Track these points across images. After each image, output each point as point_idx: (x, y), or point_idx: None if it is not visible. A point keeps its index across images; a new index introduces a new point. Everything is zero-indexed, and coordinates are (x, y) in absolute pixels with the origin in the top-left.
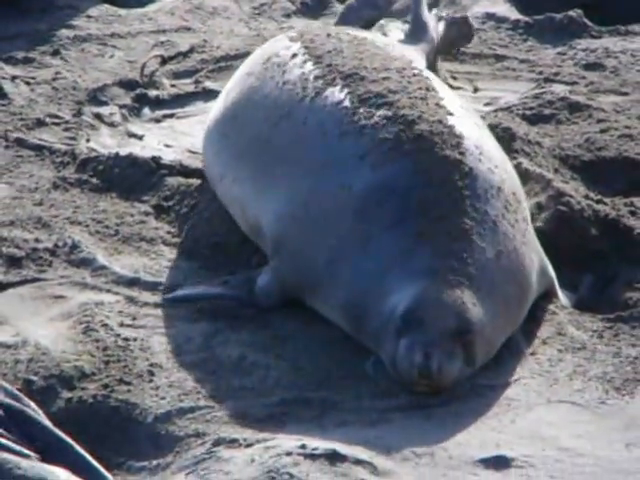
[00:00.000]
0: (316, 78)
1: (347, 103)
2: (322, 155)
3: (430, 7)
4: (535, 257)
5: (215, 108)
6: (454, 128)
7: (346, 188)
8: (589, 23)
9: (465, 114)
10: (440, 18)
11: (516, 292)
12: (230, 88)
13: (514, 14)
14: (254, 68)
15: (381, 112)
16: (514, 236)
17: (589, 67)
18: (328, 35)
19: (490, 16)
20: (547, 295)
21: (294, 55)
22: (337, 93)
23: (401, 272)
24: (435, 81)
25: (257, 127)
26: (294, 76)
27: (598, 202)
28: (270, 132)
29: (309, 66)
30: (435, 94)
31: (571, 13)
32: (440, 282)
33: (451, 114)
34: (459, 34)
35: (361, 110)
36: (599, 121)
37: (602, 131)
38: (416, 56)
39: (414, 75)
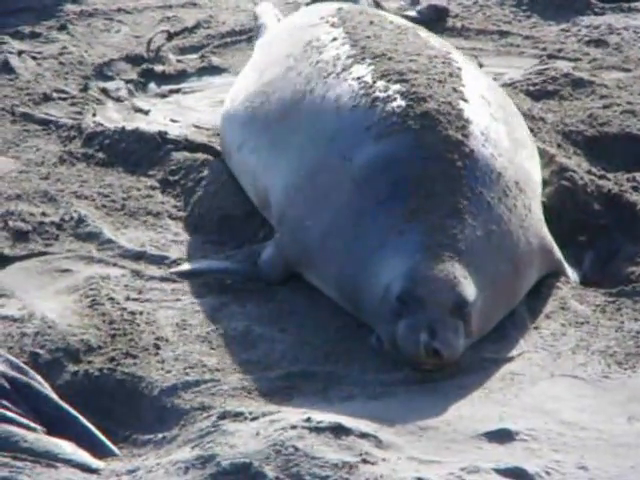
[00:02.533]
0: (348, 57)
1: (367, 78)
2: (332, 126)
3: None
4: (535, 241)
5: (244, 81)
6: (463, 112)
7: (348, 159)
8: (592, 0)
9: (482, 103)
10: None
11: (508, 271)
12: (264, 65)
13: None
14: (294, 50)
15: (396, 87)
16: (509, 219)
17: (592, 43)
18: (371, 22)
19: None
20: (554, 274)
21: (334, 39)
22: (361, 69)
23: (391, 249)
24: (466, 71)
25: (283, 101)
26: (328, 56)
27: (601, 177)
28: (293, 106)
29: (345, 48)
30: (457, 80)
31: None
32: (430, 258)
33: (465, 100)
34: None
35: (378, 84)
36: (602, 97)
37: (605, 107)
38: (455, 50)
39: (443, 62)
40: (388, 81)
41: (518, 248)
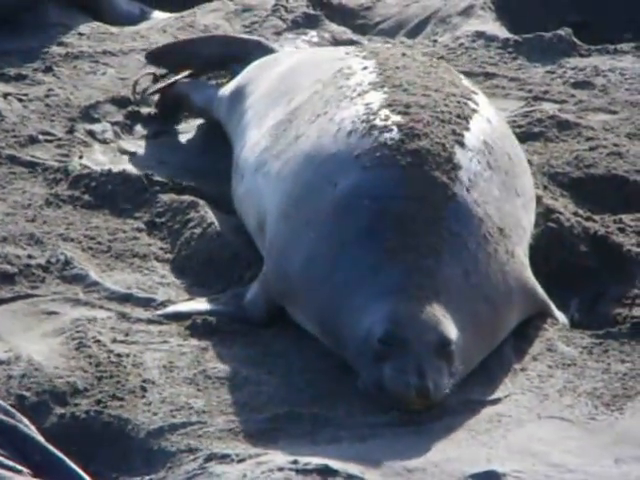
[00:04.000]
0: (369, 84)
1: (374, 105)
2: (326, 150)
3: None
4: (516, 284)
5: (270, 104)
6: (454, 155)
7: (332, 185)
8: (578, 42)
9: (479, 150)
10: None
11: (487, 311)
12: (293, 89)
13: (504, 33)
14: (324, 76)
15: (397, 118)
16: (488, 263)
17: (578, 85)
18: (403, 54)
19: (480, 34)
20: (541, 315)
21: (365, 67)
22: (374, 97)
23: (370, 289)
24: (479, 115)
25: (300, 123)
26: (353, 82)
27: (587, 219)
28: (305, 128)
29: (371, 76)
30: (462, 123)
31: (560, 32)
32: (410, 299)
33: (461, 144)
34: None
35: (380, 112)
36: (588, 139)
37: (591, 149)
38: (480, 94)
39: (458, 102)
40: (392, 111)
41: (497, 290)
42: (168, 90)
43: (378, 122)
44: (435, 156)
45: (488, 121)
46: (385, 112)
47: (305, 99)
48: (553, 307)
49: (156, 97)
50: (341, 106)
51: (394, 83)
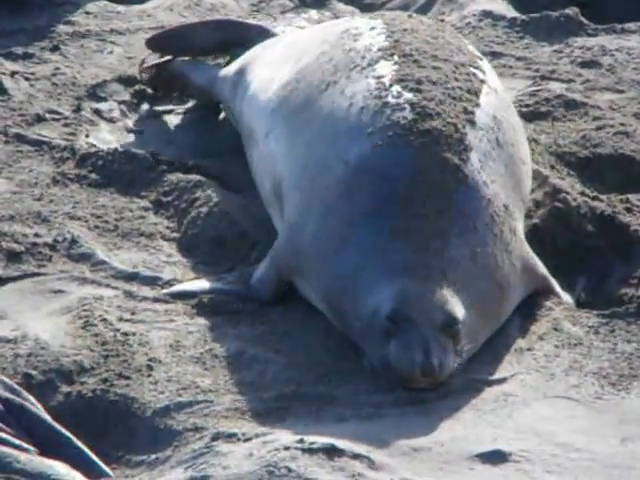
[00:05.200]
0: (378, 50)
1: (385, 80)
2: (339, 125)
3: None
4: (519, 262)
5: (275, 67)
6: (465, 136)
7: (344, 161)
8: (585, 21)
9: (489, 127)
10: None
11: (492, 291)
12: (299, 50)
13: (511, 12)
14: (330, 36)
15: (409, 96)
16: (495, 243)
17: (585, 65)
18: (409, 16)
19: (487, 14)
20: (546, 295)
21: (372, 28)
22: (384, 68)
23: (377, 268)
24: (487, 87)
25: (309, 88)
26: (362, 45)
27: (594, 199)
28: (315, 95)
29: (379, 38)
30: (472, 99)
31: (567, 11)
32: (417, 278)
33: (472, 123)
34: None
35: (393, 88)
36: (595, 118)
37: (598, 128)
38: (484, 60)
39: (467, 74)
40: (404, 87)
41: (502, 270)
42: (164, 67)
43: (390, 99)
44: (447, 137)
45: (495, 92)
46: (397, 88)
47: (312, 60)
48: (554, 282)
49: (149, 74)
50: (352, 77)
51: (404, 51)
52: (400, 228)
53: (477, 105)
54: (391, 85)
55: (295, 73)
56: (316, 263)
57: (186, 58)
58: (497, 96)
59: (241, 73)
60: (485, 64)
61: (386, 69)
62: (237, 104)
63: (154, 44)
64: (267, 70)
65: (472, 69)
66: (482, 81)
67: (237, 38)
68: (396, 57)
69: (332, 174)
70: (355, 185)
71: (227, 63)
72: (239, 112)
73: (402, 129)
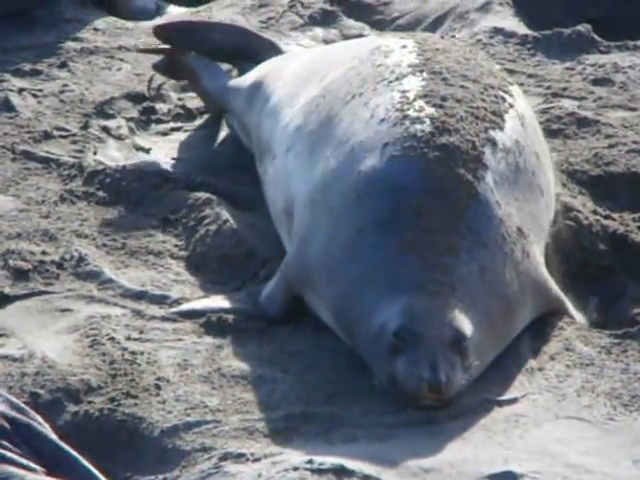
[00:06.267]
0: (409, 66)
1: (410, 94)
2: (357, 136)
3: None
4: (530, 282)
5: (301, 82)
6: (482, 155)
7: (357, 171)
8: (597, 38)
9: (510, 150)
10: None
11: (501, 308)
12: (326, 66)
13: (522, 29)
14: (360, 53)
15: (430, 111)
16: (504, 261)
17: (597, 82)
18: (442, 37)
19: (498, 31)
20: (558, 314)
21: (404, 46)
22: (411, 83)
23: (385, 283)
24: (514, 111)
25: (334, 101)
26: (392, 61)
27: (606, 217)
28: (340, 108)
29: (411, 56)
30: (496, 120)
31: (579, 28)
32: (425, 294)
33: (492, 143)
34: None
35: (416, 102)
36: (607, 136)
37: (610, 146)
38: (516, 86)
39: (495, 96)
40: (427, 102)
41: (511, 288)
42: (176, 58)
43: (411, 113)
44: (463, 153)
45: (522, 118)
46: (420, 103)
47: (340, 75)
48: (569, 305)
49: (171, 93)
50: (377, 90)
51: (434, 69)
52: (409, 242)
53: (499, 127)
54: (415, 99)
55: (322, 89)
56: (324, 275)
57: (199, 56)
58: (523, 122)
59: (259, 86)
60: (516, 89)
61: (413, 84)
62: (253, 117)
63: (162, 32)
64: (291, 85)
65: (501, 92)
66: (510, 105)
67: (247, 48)
68: (425, 74)
69: (344, 183)
70: (366, 195)
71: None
72: (255, 125)
73: (418, 141)
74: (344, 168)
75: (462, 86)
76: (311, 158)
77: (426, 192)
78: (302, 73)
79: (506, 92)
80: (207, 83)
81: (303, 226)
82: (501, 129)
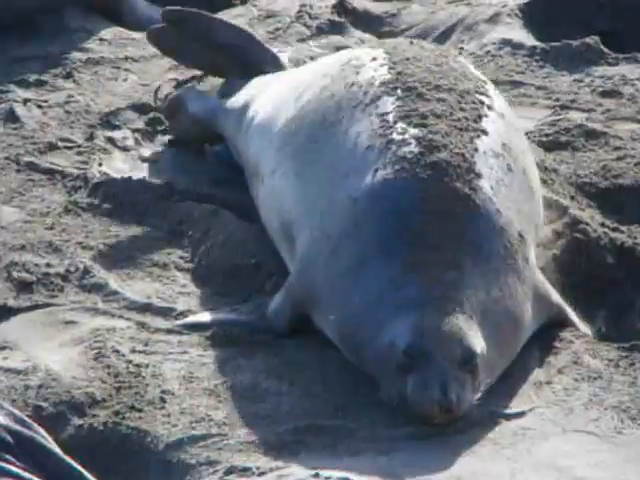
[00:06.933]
0: (381, 84)
1: (390, 117)
2: (346, 164)
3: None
4: (531, 290)
5: (279, 103)
6: (474, 165)
7: (352, 199)
8: (606, 50)
9: (498, 154)
10: None
11: (508, 321)
12: (301, 85)
13: (531, 40)
14: (332, 69)
15: (415, 131)
16: (508, 272)
17: (606, 94)
18: (411, 43)
19: (507, 42)
20: (566, 327)
21: (374, 59)
22: (387, 105)
23: (392, 302)
24: (493, 114)
25: (314, 126)
26: (363, 79)
27: (614, 230)
28: (320, 133)
29: (381, 70)
30: (479, 127)
31: (588, 40)
32: (434, 311)
33: (480, 151)
34: None
35: (397, 125)
36: (616, 149)
37: (619, 159)
38: (489, 83)
39: (473, 102)
40: (408, 124)
41: (516, 299)
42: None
43: (395, 136)
44: (455, 167)
45: (502, 117)
46: (401, 125)
47: (314, 96)
48: (570, 311)
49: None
50: (355, 116)
51: (407, 84)
52: (413, 262)
53: (484, 133)
54: (395, 122)
55: (298, 110)
56: (329, 299)
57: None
58: (504, 121)
59: (245, 107)
60: (490, 87)
61: (389, 105)
62: (241, 139)
63: (170, 16)
64: (271, 105)
65: (478, 95)
66: (489, 107)
67: (248, 54)
68: (399, 91)
69: (341, 212)
70: (364, 222)
71: (222, 88)
72: (244, 147)
73: (409, 163)
74: (338, 198)
75: (439, 99)
76: (299, 180)
77: (424, 212)
78: (281, 93)
79: (482, 94)
80: (194, 110)
81: (303, 251)
82: (485, 134)
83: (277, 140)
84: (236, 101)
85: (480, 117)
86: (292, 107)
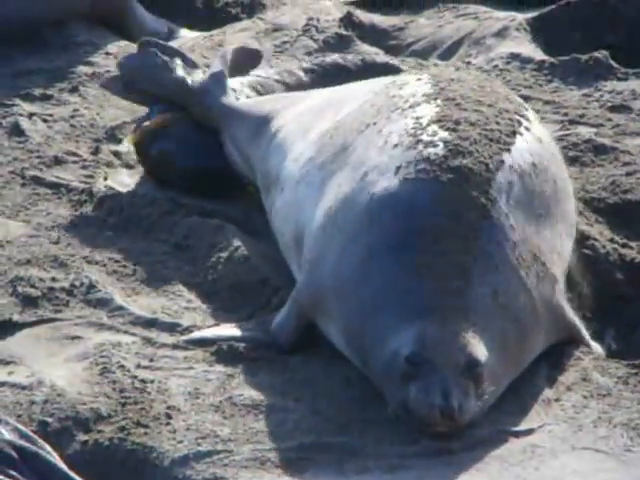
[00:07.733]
0: (423, 95)
1: (424, 120)
2: (370, 162)
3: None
4: (544, 307)
5: (310, 115)
6: (495, 177)
7: (369, 194)
8: (615, 64)
9: (524, 173)
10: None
11: (514, 333)
12: (342, 100)
13: (539, 55)
14: (375, 87)
15: (444, 134)
16: (517, 286)
17: (615, 109)
18: (457, 69)
19: (515, 56)
20: (576, 344)
21: (418, 79)
22: (424, 110)
23: (397, 308)
24: (530, 135)
25: (350, 132)
26: (406, 92)
27: (623, 246)
28: (353, 138)
29: (425, 87)
30: (510, 142)
31: (597, 54)
32: (437, 319)
33: (506, 165)
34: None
35: (429, 127)
36: (625, 164)
37: (628, 174)
38: (532, 111)
39: (510, 119)
40: (441, 127)
41: (525, 312)
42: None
43: (425, 137)
44: (476, 175)
45: (538, 142)
46: (433, 127)
47: (355, 107)
48: (585, 333)
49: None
50: (391, 118)
51: (448, 96)
52: (421, 265)
53: (514, 149)
54: (428, 125)
55: (336, 122)
56: (336, 298)
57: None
58: (540, 146)
59: (267, 121)
60: (532, 114)
61: (426, 111)
62: (258, 151)
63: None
64: (303, 120)
65: (517, 116)
66: (526, 128)
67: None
68: (439, 101)
69: (356, 206)
70: (378, 217)
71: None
72: (261, 159)
73: (431, 164)
74: (356, 191)
75: (476, 110)
76: (323, 188)
77: (439, 215)
78: (315, 108)
79: (522, 116)
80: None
81: (314, 250)
82: (515, 151)
83: (309, 151)
84: (252, 111)
85: (514, 133)
86: (329, 119)
